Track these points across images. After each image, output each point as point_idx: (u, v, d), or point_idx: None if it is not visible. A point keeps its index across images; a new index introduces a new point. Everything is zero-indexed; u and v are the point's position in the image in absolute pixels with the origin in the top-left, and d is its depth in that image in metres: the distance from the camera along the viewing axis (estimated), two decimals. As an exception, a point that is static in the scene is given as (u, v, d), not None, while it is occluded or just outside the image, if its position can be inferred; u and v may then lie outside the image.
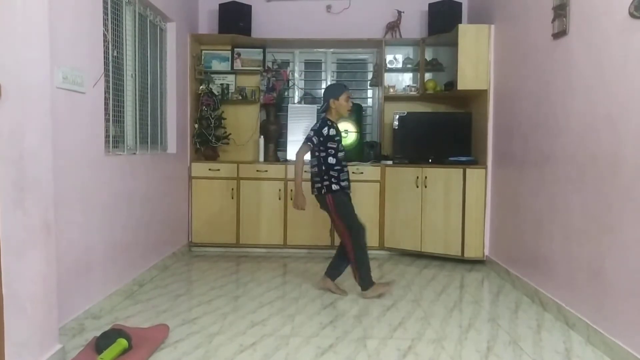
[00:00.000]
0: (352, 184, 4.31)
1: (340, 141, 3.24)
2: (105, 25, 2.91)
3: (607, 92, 2.41)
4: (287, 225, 4.47)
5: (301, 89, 5.08)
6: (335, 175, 3.19)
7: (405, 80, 5.00)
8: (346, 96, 3.23)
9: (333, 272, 3.34)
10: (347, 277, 3.67)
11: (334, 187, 3.18)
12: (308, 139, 3.20)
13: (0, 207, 1.76)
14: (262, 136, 4.78)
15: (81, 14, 2.59)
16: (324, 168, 3.20)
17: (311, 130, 3.22)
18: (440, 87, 4.62)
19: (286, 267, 4.06)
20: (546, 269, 3.04)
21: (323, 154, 3.19)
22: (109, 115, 3.02)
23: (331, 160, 3.19)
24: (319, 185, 3.22)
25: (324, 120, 3.22)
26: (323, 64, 5.12)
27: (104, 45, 2.87)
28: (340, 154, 3.24)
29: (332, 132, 3.19)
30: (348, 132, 4.59)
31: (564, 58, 2.86)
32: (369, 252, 4.41)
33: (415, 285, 3.57)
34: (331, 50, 5.06)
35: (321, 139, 3.16)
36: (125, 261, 3.19)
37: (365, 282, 3.21)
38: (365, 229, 3.25)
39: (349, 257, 3.23)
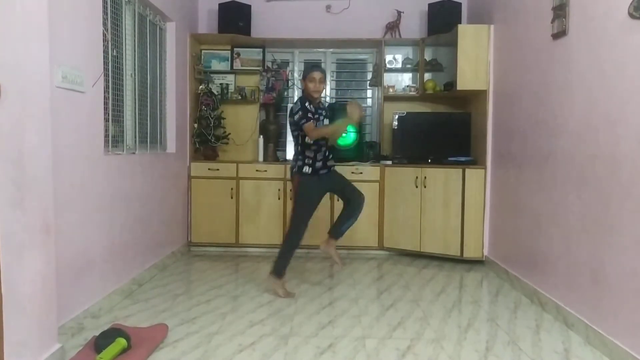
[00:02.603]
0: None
1: (317, 120, 3.14)
2: (104, 24, 2.91)
3: (607, 92, 2.41)
4: (287, 225, 4.47)
5: (300, 88, 5.07)
6: (311, 155, 3.16)
7: (404, 80, 5.01)
8: (310, 77, 3.14)
9: (336, 231, 3.33)
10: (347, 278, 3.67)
11: (306, 169, 3.16)
12: (302, 118, 3.08)
13: (0, 207, 1.76)
14: (261, 136, 4.78)
15: (80, 14, 2.59)
16: (299, 148, 3.20)
17: (297, 110, 3.11)
18: (440, 87, 4.62)
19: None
20: (545, 269, 3.04)
21: (302, 132, 3.14)
22: (108, 115, 3.02)
23: (308, 139, 3.14)
24: (294, 164, 3.23)
25: (302, 97, 3.18)
26: (322, 64, 5.11)
27: (103, 45, 2.87)
28: None
29: (311, 107, 3.13)
30: (349, 131, 4.59)
31: (563, 58, 2.86)
32: (368, 251, 4.47)
33: (414, 285, 3.57)
34: (331, 50, 5.06)
35: (309, 114, 3.09)
36: (125, 261, 3.19)
37: (277, 269, 3.24)
38: (302, 235, 3.23)
39: (282, 247, 3.28)
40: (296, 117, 3.12)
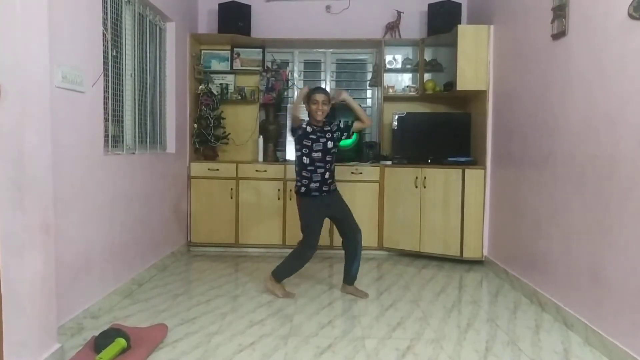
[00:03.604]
0: (351, 184, 4.38)
1: (315, 142, 3.17)
2: (104, 24, 2.91)
3: (607, 92, 2.41)
4: (286, 225, 4.47)
5: (300, 89, 5.07)
6: (307, 176, 3.18)
7: (404, 80, 5.01)
8: (313, 99, 3.16)
9: (348, 277, 3.34)
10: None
11: (302, 189, 3.19)
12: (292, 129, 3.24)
13: (0, 207, 1.76)
14: (261, 136, 4.78)
15: (80, 14, 2.59)
16: (297, 169, 3.24)
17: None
18: (440, 87, 4.62)
19: (285, 267, 4.05)
20: (545, 269, 3.04)
21: (299, 153, 3.21)
22: (108, 115, 3.02)
23: (305, 160, 3.18)
24: (295, 185, 3.27)
25: (305, 119, 3.25)
26: (322, 64, 5.12)
27: (103, 45, 2.87)
28: (315, 154, 3.17)
29: (309, 129, 3.19)
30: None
31: (563, 59, 2.86)
32: (367, 252, 4.47)
33: (414, 285, 3.57)
34: (330, 50, 5.06)
35: (299, 132, 3.18)
36: (124, 261, 3.19)
37: (279, 274, 3.25)
38: (312, 252, 3.20)
39: (290, 255, 3.26)
40: (294, 135, 3.23)
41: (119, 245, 3.09)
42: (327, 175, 3.21)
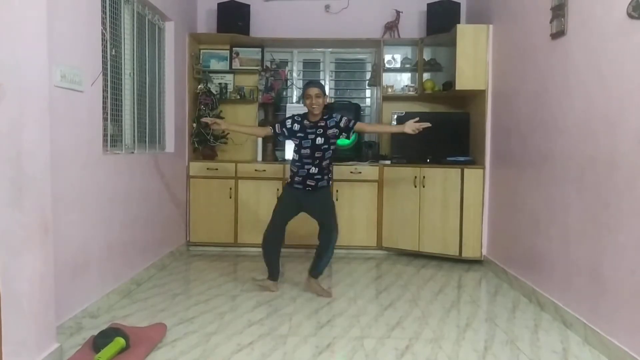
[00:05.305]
0: (349, 183, 4.38)
1: (303, 139, 3.15)
2: (103, 24, 2.91)
3: (605, 92, 2.41)
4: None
5: (299, 88, 5.08)
6: (295, 170, 3.23)
7: (403, 80, 5.01)
8: (306, 93, 3.11)
9: (314, 270, 3.34)
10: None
11: (289, 180, 3.30)
12: (272, 124, 3.36)
13: (-2, 206, 1.75)
14: (260, 135, 4.78)
15: (79, 13, 2.58)
16: (290, 161, 3.31)
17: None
18: (439, 87, 4.62)
19: (284, 267, 4.04)
20: (544, 269, 3.05)
21: (294, 148, 3.26)
22: (107, 114, 3.01)
23: (294, 155, 3.23)
24: None
25: (297, 114, 3.27)
26: (321, 64, 5.12)
27: (102, 44, 2.86)
28: (304, 151, 3.15)
29: (296, 127, 3.20)
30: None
31: (562, 58, 2.86)
32: (366, 251, 4.48)
33: (413, 285, 3.57)
34: (329, 50, 5.06)
35: (284, 129, 3.23)
36: (123, 260, 3.18)
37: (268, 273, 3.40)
38: (267, 237, 3.29)
39: None
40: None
41: (117, 244, 3.09)
42: (313, 170, 3.17)
